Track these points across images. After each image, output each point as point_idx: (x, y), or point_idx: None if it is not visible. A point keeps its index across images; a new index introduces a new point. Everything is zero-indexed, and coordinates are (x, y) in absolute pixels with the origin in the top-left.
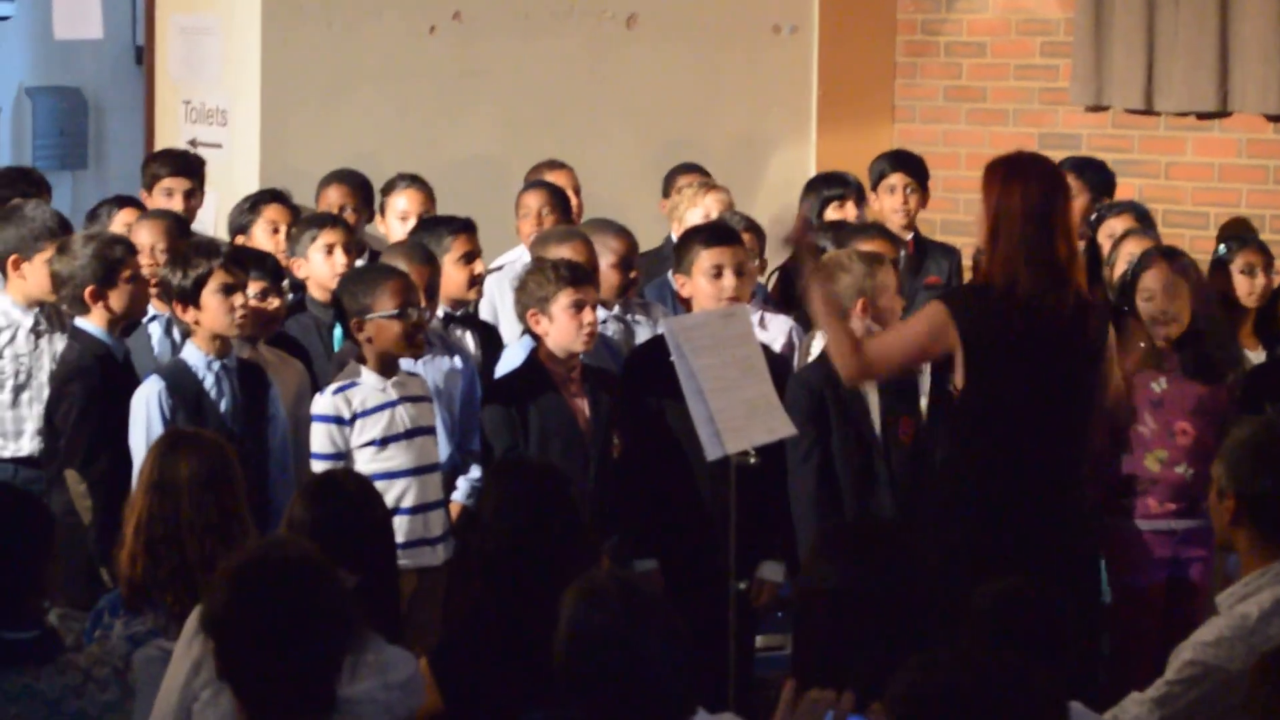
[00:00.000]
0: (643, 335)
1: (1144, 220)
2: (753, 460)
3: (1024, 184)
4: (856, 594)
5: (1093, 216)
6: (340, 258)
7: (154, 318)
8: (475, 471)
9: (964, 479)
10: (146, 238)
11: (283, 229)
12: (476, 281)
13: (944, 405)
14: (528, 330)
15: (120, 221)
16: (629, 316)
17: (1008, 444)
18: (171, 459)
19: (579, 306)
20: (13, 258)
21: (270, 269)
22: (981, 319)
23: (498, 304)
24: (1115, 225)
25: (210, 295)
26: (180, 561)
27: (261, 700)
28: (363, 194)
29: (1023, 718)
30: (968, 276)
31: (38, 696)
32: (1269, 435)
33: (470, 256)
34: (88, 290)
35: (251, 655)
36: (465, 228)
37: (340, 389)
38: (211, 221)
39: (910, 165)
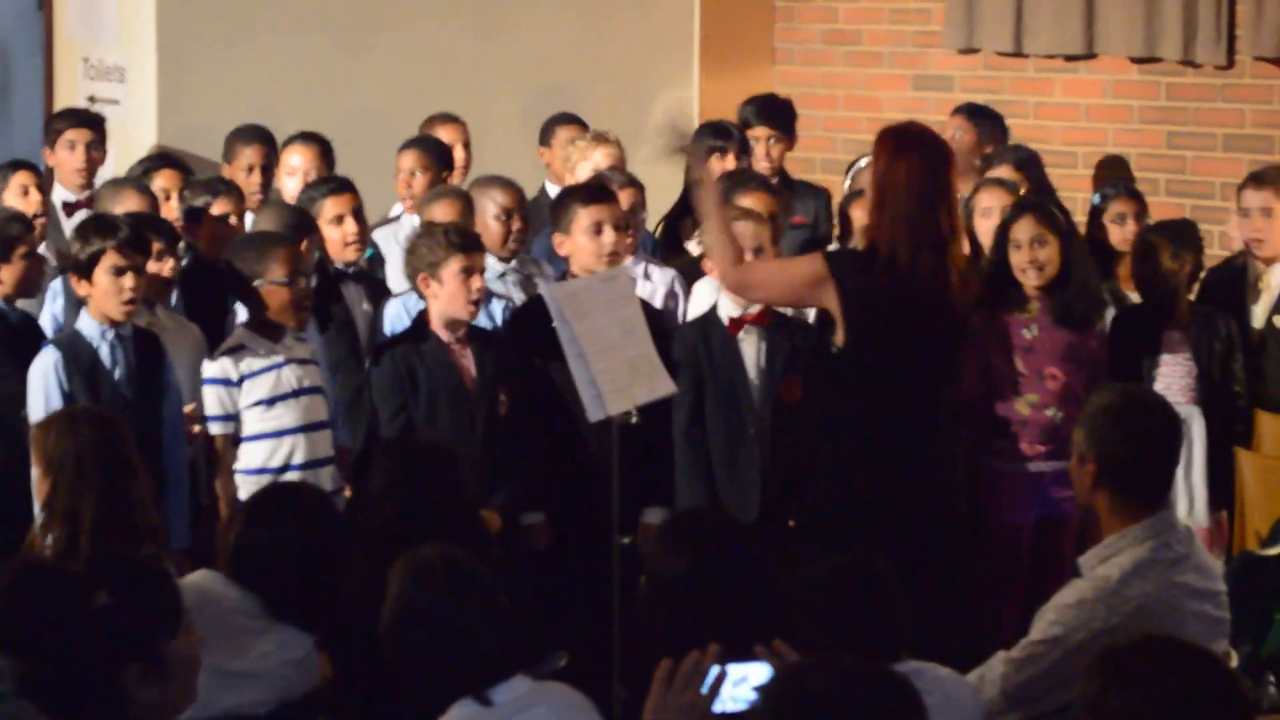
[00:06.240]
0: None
1: (1027, 165)
2: (634, 420)
3: (909, 158)
4: (699, 587)
5: (977, 162)
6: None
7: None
8: None
9: (839, 432)
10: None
11: (174, 195)
12: (353, 242)
13: (824, 364)
14: (416, 291)
15: (16, 184)
16: (523, 272)
17: (879, 401)
18: (66, 436)
19: (468, 273)
20: None
21: (166, 233)
22: (862, 283)
23: (385, 257)
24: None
25: (102, 274)
26: (74, 537)
27: None
28: (273, 150)
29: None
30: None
31: None
32: (1128, 401)
33: (341, 218)
34: None
35: None
36: (338, 189)
37: (227, 352)
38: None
39: (773, 117)
